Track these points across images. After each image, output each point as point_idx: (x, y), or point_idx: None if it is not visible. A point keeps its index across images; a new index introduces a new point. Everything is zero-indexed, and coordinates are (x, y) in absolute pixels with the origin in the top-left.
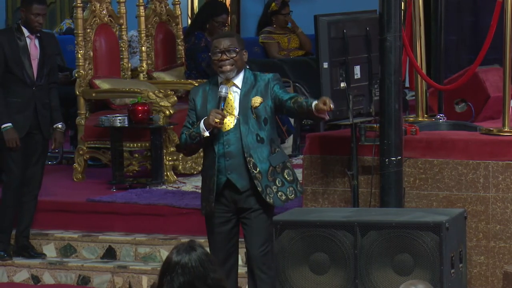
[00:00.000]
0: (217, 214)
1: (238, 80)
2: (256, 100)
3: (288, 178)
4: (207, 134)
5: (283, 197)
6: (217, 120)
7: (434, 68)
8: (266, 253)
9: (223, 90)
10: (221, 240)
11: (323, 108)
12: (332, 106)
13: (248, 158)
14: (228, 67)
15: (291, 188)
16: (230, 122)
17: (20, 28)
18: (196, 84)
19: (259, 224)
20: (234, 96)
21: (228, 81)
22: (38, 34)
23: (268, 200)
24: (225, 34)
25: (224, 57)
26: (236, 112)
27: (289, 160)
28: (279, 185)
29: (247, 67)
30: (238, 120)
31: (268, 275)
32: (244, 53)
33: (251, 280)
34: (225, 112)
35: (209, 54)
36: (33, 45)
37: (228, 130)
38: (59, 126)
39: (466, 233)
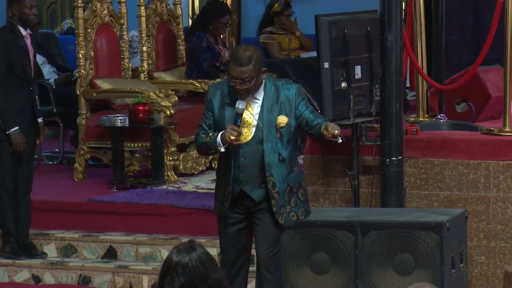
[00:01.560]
0: (229, 215)
1: (258, 94)
2: (283, 120)
3: (301, 198)
4: (222, 149)
5: (294, 218)
6: (232, 138)
7: (435, 68)
8: (274, 254)
9: (240, 106)
10: (231, 240)
11: (327, 135)
12: (336, 132)
13: (268, 178)
14: (244, 95)
15: (302, 209)
16: (247, 134)
17: (16, 27)
18: (197, 85)
19: (268, 226)
20: (253, 107)
21: None
22: (30, 32)
23: (280, 220)
24: (243, 61)
25: (239, 87)
26: (254, 122)
27: (303, 179)
28: (293, 205)
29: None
30: (260, 131)
31: (274, 276)
32: (263, 71)
33: (258, 280)
34: (241, 128)
35: (210, 54)
36: (29, 44)
37: (245, 143)
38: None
39: (467, 233)
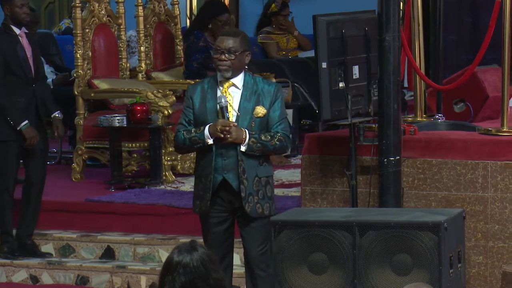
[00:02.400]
0: (213, 214)
1: (237, 81)
2: (261, 111)
3: (268, 194)
4: (211, 142)
5: (260, 210)
6: (227, 131)
7: (433, 68)
8: (265, 252)
9: (222, 100)
10: (217, 239)
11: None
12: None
13: (239, 162)
14: (225, 67)
15: (268, 205)
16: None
17: (9, 27)
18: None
19: (257, 223)
20: (233, 96)
21: (227, 80)
22: (26, 31)
23: (246, 208)
24: (231, 32)
25: (223, 57)
26: (234, 113)
27: (272, 177)
28: (260, 197)
29: (246, 68)
30: (238, 118)
31: (267, 272)
32: (247, 54)
33: (249, 279)
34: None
35: (205, 55)
36: (25, 43)
37: None
38: (57, 115)
39: (464, 233)
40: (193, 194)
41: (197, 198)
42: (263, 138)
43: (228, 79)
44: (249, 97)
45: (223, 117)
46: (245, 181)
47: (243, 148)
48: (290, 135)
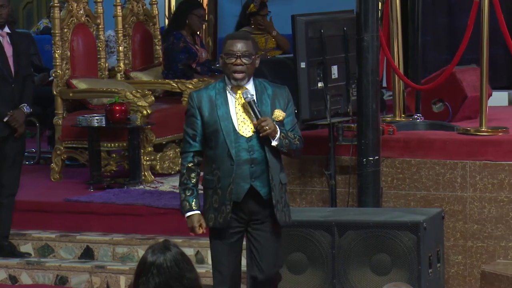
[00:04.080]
0: (229, 230)
1: (249, 86)
2: (280, 114)
3: (287, 201)
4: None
5: (284, 218)
6: (200, 231)
7: (412, 68)
8: (276, 274)
9: (248, 94)
10: (230, 253)
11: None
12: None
13: (269, 168)
14: (241, 75)
15: (288, 213)
16: (251, 128)
17: None
18: (174, 85)
19: (270, 242)
20: None
21: (240, 87)
22: (9, 31)
23: (277, 215)
24: (240, 35)
25: (239, 61)
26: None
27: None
28: (283, 204)
29: None
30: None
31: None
32: (257, 58)
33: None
34: (243, 118)
35: (187, 55)
36: (6, 43)
37: (251, 136)
38: (24, 109)
39: (443, 233)
40: (203, 208)
41: (209, 211)
42: (289, 134)
43: (239, 84)
44: (264, 101)
45: (253, 111)
46: (274, 188)
47: (274, 143)
48: None
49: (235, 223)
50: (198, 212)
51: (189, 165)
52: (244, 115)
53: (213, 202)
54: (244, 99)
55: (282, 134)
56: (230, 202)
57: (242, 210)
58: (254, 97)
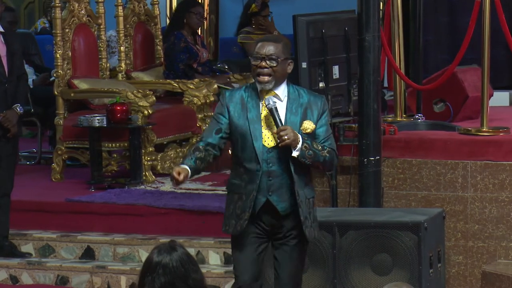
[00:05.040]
0: (250, 238)
1: (280, 91)
2: (310, 126)
3: (315, 216)
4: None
5: (313, 234)
6: (176, 176)
7: (413, 68)
8: (299, 276)
9: (270, 101)
10: (250, 257)
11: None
12: (283, 136)
13: (294, 183)
14: (266, 78)
15: (318, 228)
16: (271, 138)
17: None
18: (175, 85)
19: (293, 259)
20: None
21: (268, 91)
22: (2, 30)
23: (306, 233)
24: (271, 38)
25: (263, 64)
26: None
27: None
28: (311, 220)
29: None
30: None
31: None
32: (289, 63)
33: None
34: (265, 127)
35: (188, 55)
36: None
37: (271, 147)
38: (17, 109)
39: (444, 233)
40: (224, 212)
41: (232, 217)
42: (315, 146)
43: (269, 89)
44: (295, 110)
45: (274, 119)
46: (301, 203)
47: (295, 154)
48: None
49: (254, 230)
50: (185, 166)
51: (199, 146)
52: (269, 122)
53: (236, 208)
54: (266, 105)
55: (305, 145)
56: (250, 210)
57: (262, 222)
58: (277, 104)
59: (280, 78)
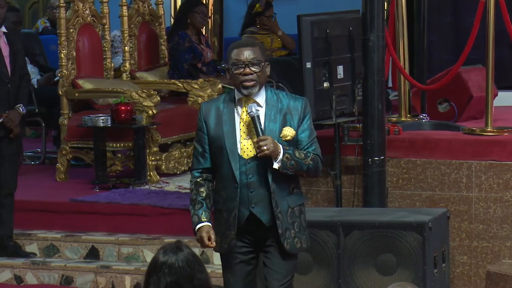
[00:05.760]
0: (236, 254)
1: (259, 98)
2: (290, 133)
3: (303, 225)
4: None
5: (298, 245)
6: (211, 245)
7: (417, 68)
8: (289, 285)
9: (253, 109)
10: (238, 273)
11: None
12: (262, 145)
13: (272, 194)
14: (252, 83)
15: (304, 237)
16: (251, 148)
17: None
18: (180, 85)
19: (280, 257)
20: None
21: (247, 98)
22: (5, 31)
23: (285, 245)
24: (246, 43)
25: (248, 70)
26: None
27: (304, 204)
28: (297, 230)
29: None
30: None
31: None
32: (267, 65)
33: None
34: (244, 137)
35: (192, 55)
36: (2, 43)
37: (250, 158)
38: (20, 109)
39: (449, 233)
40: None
41: (217, 234)
42: (297, 154)
43: (248, 96)
44: (274, 116)
45: (255, 128)
46: (280, 215)
47: (276, 165)
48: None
49: (242, 245)
50: (208, 223)
51: (197, 180)
52: (247, 132)
53: (219, 225)
54: (248, 113)
55: (287, 155)
56: (235, 227)
57: (249, 234)
58: (259, 112)
59: (263, 83)
